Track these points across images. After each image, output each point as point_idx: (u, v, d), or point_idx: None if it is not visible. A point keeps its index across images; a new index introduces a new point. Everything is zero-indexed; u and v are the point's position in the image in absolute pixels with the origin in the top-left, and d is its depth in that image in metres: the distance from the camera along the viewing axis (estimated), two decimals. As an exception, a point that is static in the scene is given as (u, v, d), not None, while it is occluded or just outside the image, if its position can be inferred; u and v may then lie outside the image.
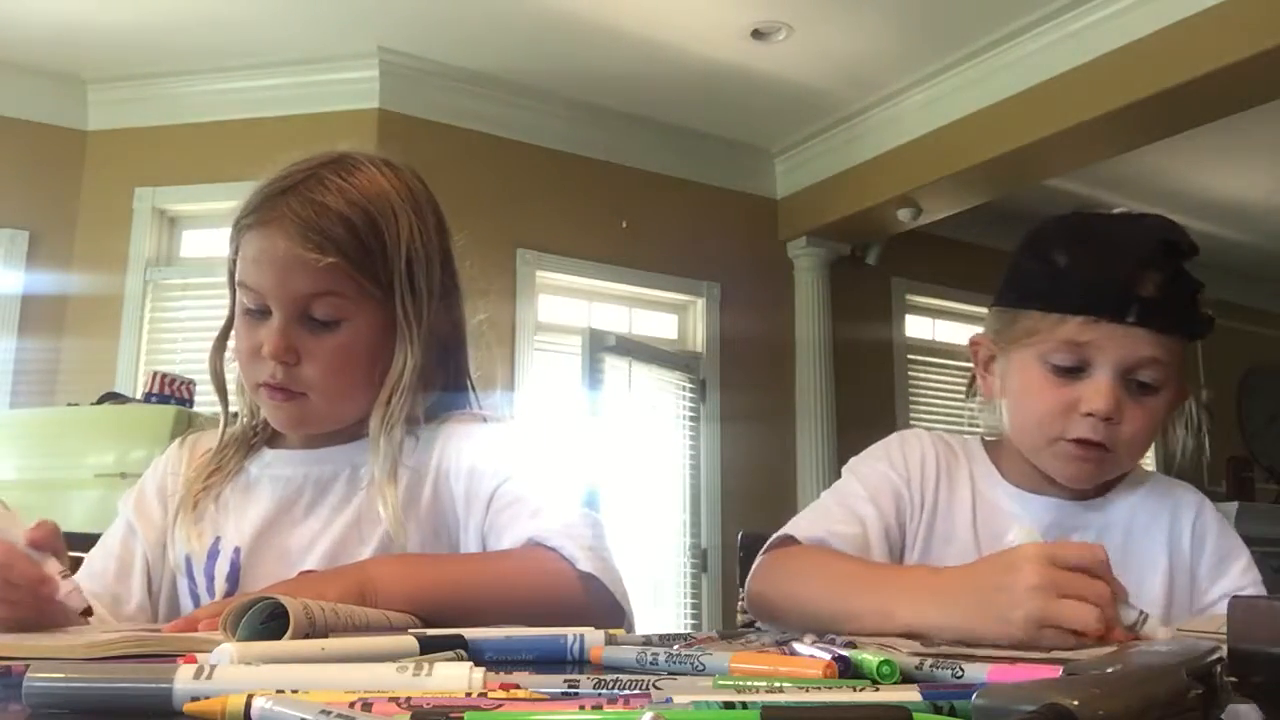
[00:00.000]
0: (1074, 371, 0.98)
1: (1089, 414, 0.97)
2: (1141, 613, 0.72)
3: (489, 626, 0.75)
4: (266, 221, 1.00)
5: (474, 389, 1.13)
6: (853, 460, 1.14)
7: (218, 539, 1.03)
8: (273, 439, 1.10)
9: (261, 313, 1.00)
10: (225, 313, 1.10)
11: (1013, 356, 1.04)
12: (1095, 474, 1.02)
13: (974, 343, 1.11)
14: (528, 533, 0.96)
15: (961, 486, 1.09)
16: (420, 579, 0.90)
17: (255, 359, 1.00)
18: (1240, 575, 1.04)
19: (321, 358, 0.99)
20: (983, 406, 1.13)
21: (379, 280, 1.00)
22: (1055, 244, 1.02)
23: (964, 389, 1.21)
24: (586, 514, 0.99)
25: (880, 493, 1.07)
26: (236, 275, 1.03)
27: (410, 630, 0.70)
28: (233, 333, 1.07)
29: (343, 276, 0.98)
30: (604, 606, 0.92)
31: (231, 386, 1.10)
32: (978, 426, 1.18)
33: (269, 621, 0.68)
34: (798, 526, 1.04)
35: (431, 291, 1.04)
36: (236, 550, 1.02)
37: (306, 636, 0.67)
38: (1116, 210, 1.06)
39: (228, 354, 1.09)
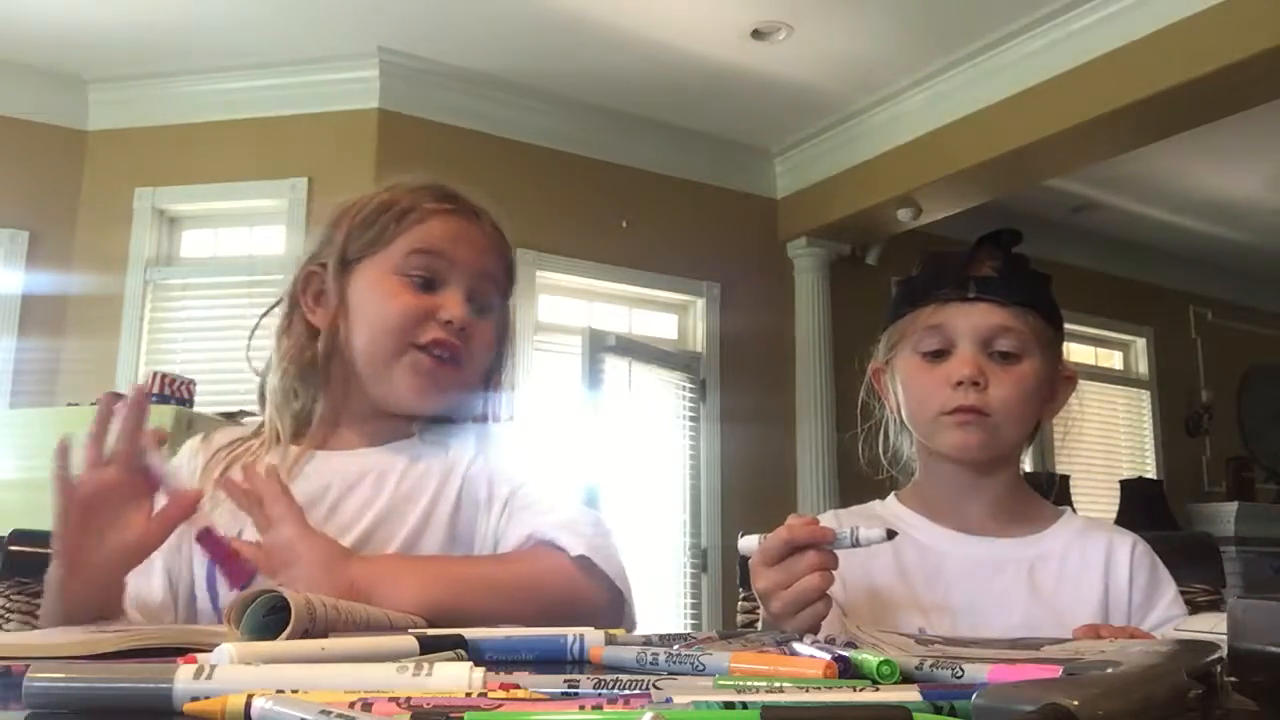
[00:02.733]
0: (941, 354, 1.10)
1: (959, 383, 1.07)
2: (853, 530, 0.85)
3: (486, 625, 0.76)
4: (459, 211, 1.10)
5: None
6: None
7: (240, 533, 1.02)
8: (298, 440, 1.10)
9: (428, 284, 1.06)
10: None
11: (896, 363, 1.17)
12: (981, 440, 1.09)
13: (872, 370, 1.25)
14: (529, 529, 0.99)
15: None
16: (419, 581, 0.90)
17: (420, 321, 1.04)
18: (1168, 607, 1.09)
19: (480, 336, 1.08)
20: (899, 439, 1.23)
21: (510, 286, 1.14)
22: (913, 268, 1.18)
23: None
24: (593, 514, 1.02)
25: None
26: (407, 246, 1.06)
27: (410, 630, 0.70)
28: (308, 324, 1.10)
29: (501, 272, 1.11)
30: (600, 589, 0.94)
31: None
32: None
33: (271, 614, 0.69)
34: None
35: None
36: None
37: (307, 631, 0.67)
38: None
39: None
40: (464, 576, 0.93)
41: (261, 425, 1.11)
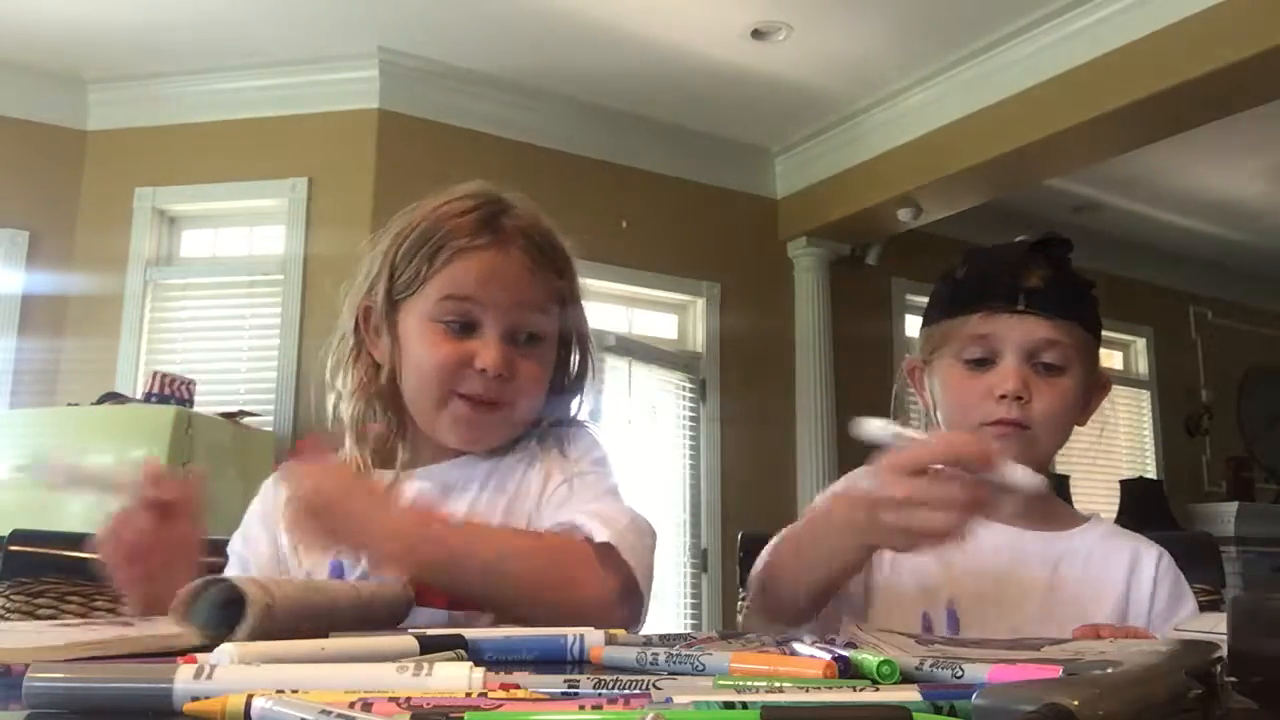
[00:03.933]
0: (985, 363, 1.09)
1: (1002, 396, 1.07)
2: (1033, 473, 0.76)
3: (502, 597, 0.80)
4: (491, 244, 1.05)
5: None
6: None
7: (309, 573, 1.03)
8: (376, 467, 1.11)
9: (465, 327, 1.04)
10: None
11: (936, 366, 1.15)
12: (1020, 452, 1.08)
13: (909, 365, 1.22)
14: (563, 515, 1.00)
15: None
16: (424, 535, 0.90)
17: (457, 371, 1.03)
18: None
19: (529, 374, 1.06)
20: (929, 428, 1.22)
21: (570, 298, 1.11)
22: (958, 266, 1.16)
23: None
24: (637, 515, 1.01)
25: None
26: (439, 291, 1.04)
27: (410, 630, 0.70)
28: (375, 359, 1.09)
29: (552, 296, 1.08)
30: (615, 579, 0.93)
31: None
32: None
33: (227, 608, 0.67)
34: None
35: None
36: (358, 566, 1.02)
37: (268, 605, 0.66)
38: (1016, 240, 1.17)
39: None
40: (463, 537, 0.93)
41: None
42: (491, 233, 1.05)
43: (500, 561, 0.91)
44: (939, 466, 0.75)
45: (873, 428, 0.81)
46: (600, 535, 0.94)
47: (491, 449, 1.10)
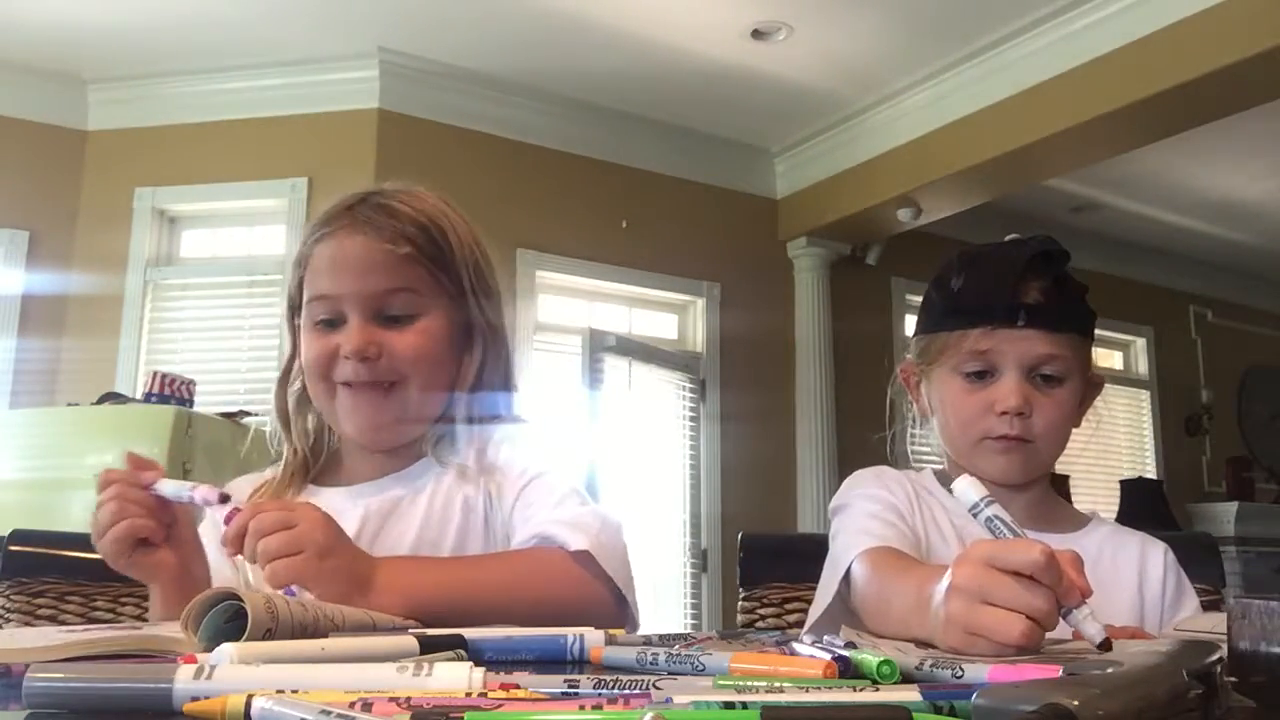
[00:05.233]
0: (984, 376, 1.09)
1: (1003, 412, 1.07)
2: (1103, 629, 0.66)
3: (503, 623, 0.77)
4: (339, 230, 1.04)
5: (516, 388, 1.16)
6: (841, 498, 1.16)
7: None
8: (320, 478, 1.11)
9: (333, 322, 1.04)
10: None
11: (934, 375, 1.15)
12: (1022, 465, 1.10)
13: (903, 370, 1.22)
14: (536, 527, 0.99)
15: (938, 513, 1.14)
16: (419, 584, 0.89)
17: (331, 362, 1.03)
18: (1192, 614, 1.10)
19: (404, 347, 1.03)
20: (925, 431, 1.21)
21: (452, 278, 1.05)
22: (953, 272, 1.13)
23: None
24: (601, 511, 1.01)
25: (890, 510, 1.11)
26: (307, 293, 1.05)
27: (410, 630, 0.70)
28: (298, 363, 1.10)
29: (418, 271, 1.03)
30: (599, 587, 0.94)
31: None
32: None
33: (233, 621, 0.67)
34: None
35: (497, 292, 1.10)
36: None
37: (269, 631, 0.65)
38: (1007, 239, 1.15)
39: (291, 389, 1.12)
40: (456, 581, 0.93)
41: (281, 466, 1.11)
42: (341, 220, 1.04)
43: (506, 599, 0.91)
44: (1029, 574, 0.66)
45: (971, 489, 0.74)
46: (577, 543, 0.94)
47: (440, 462, 1.07)
